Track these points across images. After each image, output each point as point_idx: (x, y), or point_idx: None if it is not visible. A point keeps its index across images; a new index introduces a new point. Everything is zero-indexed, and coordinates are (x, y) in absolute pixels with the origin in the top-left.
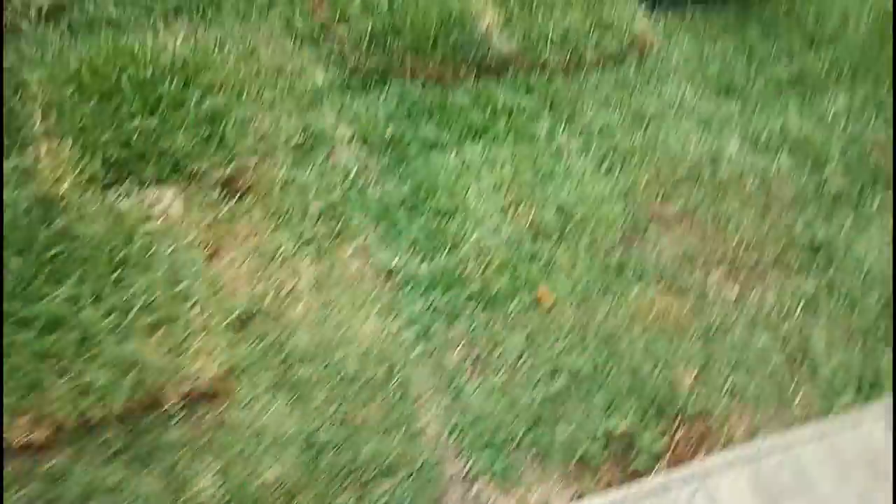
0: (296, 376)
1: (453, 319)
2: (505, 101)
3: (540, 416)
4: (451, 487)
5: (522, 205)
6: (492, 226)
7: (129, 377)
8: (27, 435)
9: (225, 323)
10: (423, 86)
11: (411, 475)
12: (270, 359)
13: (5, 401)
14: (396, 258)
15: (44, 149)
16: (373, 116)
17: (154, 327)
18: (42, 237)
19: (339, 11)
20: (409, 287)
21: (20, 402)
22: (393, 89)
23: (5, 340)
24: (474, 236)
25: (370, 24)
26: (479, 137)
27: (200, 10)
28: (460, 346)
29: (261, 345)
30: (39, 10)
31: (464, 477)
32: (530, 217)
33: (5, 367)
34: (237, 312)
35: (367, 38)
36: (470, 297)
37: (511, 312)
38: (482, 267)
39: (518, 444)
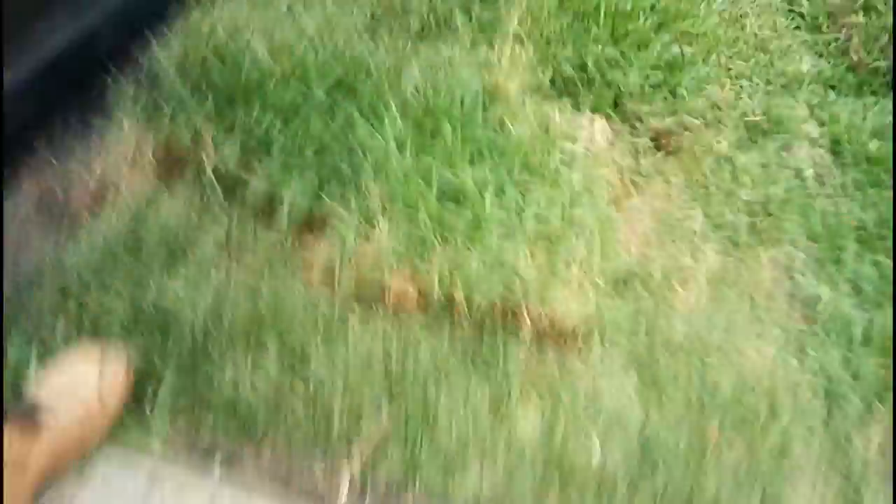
0: (656, 362)
1: (880, 395)
2: None
3: None
4: None
5: None
6: None
7: (498, 276)
8: (402, 287)
9: (603, 269)
10: None
11: None
12: (636, 330)
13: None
14: (824, 291)
15: (508, 49)
16: (856, 125)
17: (537, 238)
18: (478, 118)
19: (861, 0)
20: (828, 330)
21: (406, 253)
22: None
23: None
24: None
25: None
26: None
27: None
28: (877, 432)
29: (631, 311)
30: None
31: None
32: None
33: (410, 222)
34: (619, 267)
35: (889, 36)
36: None
37: None
38: None
39: None
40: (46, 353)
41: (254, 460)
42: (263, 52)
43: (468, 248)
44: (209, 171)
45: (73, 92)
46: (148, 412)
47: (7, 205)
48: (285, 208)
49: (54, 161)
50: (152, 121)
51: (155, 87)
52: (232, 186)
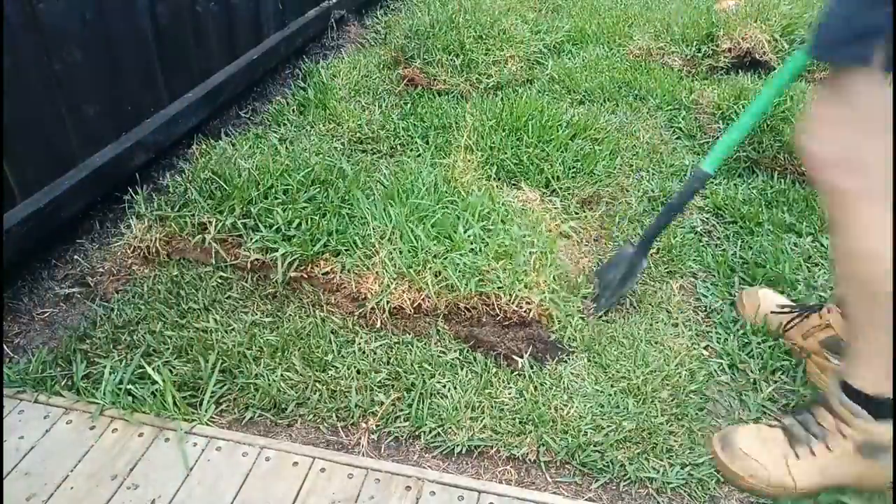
0: (602, 347)
1: (767, 365)
2: None
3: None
4: (728, 499)
5: None
6: None
7: (475, 279)
8: (400, 297)
9: (552, 277)
10: (792, 183)
11: (689, 466)
12: (583, 331)
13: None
14: (721, 303)
15: (461, 156)
16: (731, 196)
17: (500, 256)
18: (440, 191)
19: (720, 113)
20: (726, 328)
21: (406, 270)
22: (757, 180)
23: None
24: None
25: None
26: None
27: (604, 101)
28: (770, 389)
29: (577, 309)
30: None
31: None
32: None
33: (406, 249)
34: (565, 278)
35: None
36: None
37: None
38: None
39: None
40: None
41: (286, 430)
42: (253, 169)
43: (451, 262)
44: (209, 240)
45: (107, 198)
46: (199, 406)
47: (51, 284)
48: (279, 263)
49: (89, 249)
50: (161, 220)
51: (164, 196)
52: (230, 251)
